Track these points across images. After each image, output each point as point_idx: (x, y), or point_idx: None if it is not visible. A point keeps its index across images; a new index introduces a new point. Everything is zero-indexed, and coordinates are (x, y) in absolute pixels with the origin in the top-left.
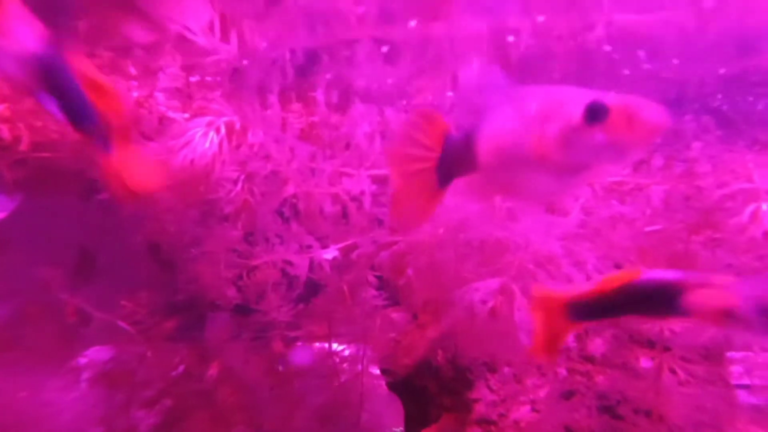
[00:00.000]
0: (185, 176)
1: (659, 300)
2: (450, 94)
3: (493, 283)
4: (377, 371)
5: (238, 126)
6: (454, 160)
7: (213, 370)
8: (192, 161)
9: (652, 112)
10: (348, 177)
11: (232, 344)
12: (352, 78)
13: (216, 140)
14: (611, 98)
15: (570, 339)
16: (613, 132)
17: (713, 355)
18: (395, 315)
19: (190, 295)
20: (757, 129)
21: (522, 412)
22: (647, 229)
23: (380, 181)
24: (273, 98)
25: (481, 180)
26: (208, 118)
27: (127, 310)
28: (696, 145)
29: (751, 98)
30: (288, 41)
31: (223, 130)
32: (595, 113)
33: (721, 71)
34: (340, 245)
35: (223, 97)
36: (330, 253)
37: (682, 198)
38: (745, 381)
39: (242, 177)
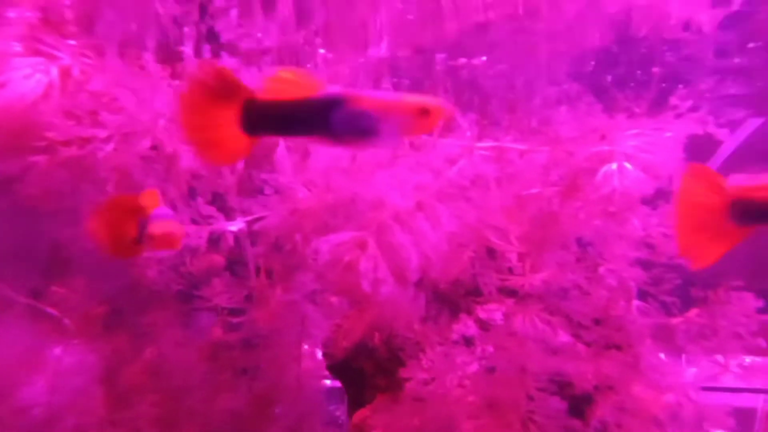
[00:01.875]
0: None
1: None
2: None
3: (345, 235)
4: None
5: (77, 72)
6: None
7: (147, 357)
8: (10, 103)
9: None
10: None
11: (169, 331)
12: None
13: (44, 82)
14: None
15: (498, 317)
16: None
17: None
18: (334, 299)
19: (127, 280)
20: (632, 102)
21: (449, 389)
22: (525, 192)
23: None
24: (149, 55)
25: None
26: (37, 59)
27: (58, 296)
28: (562, 109)
29: (636, 73)
30: None
31: (54, 72)
32: None
33: (612, 49)
34: (248, 218)
35: (81, 47)
36: (236, 225)
37: (552, 162)
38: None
39: (115, 135)
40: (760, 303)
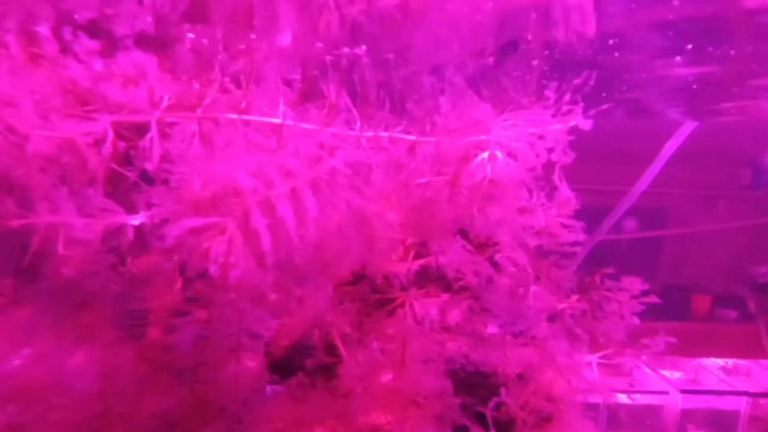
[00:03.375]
0: None
1: None
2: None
3: (199, 221)
4: None
5: None
6: None
7: (78, 359)
8: None
9: None
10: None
11: (102, 332)
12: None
13: None
14: None
15: (434, 311)
16: None
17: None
18: (273, 296)
19: (59, 280)
20: (520, 94)
21: (383, 382)
22: (412, 181)
23: (133, 129)
24: (10, 37)
25: None
26: None
27: None
28: (443, 100)
29: (524, 66)
30: None
31: None
32: None
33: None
34: (152, 212)
35: None
36: (137, 219)
37: (439, 151)
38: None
39: None
40: (646, 287)
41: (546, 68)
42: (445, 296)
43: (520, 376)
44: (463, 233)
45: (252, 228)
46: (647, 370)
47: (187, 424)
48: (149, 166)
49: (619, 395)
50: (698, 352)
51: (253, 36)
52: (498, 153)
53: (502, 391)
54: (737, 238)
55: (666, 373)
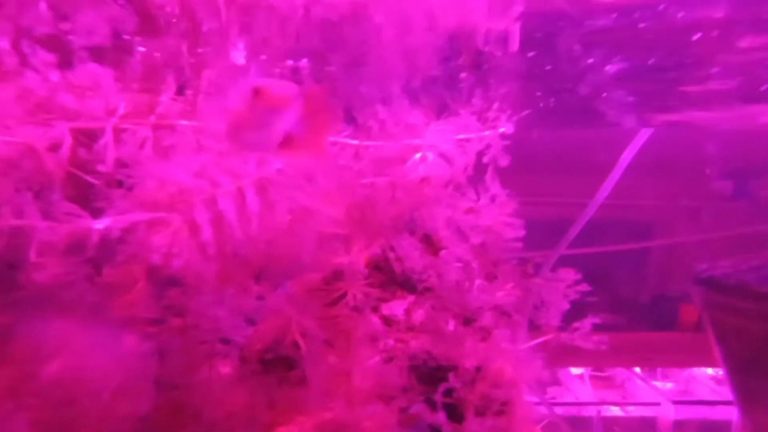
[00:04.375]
0: None
1: None
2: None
3: (142, 215)
4: None
5: None
6: None
7: (52, 367)
8: None
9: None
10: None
11: (77, 342)
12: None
13: None
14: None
15: (400, 312)
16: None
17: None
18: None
19: (35, 288)
20: (457, 104)
21: (352, 381)
22: (356, 182)
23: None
24: None
25: None
26: None
27: None
28: (386, 108)
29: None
30: None
31: None
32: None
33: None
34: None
35: None
36: (102, 223)
37: (380, 154)
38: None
39: None
40: (579, 277)
41: (490, 80)
42: (411, 297)
43: (477, 369)
44: (427, 237)
45: (197, 223)
46: (639, 382)
47: (162, 429)
48: (103, 170)
49: (611, 407)
50: (689, 362)
51: (202, 50)
52: (429, 154)
53: (460, 382)
54: (721, 249)
55: (658, 384)
